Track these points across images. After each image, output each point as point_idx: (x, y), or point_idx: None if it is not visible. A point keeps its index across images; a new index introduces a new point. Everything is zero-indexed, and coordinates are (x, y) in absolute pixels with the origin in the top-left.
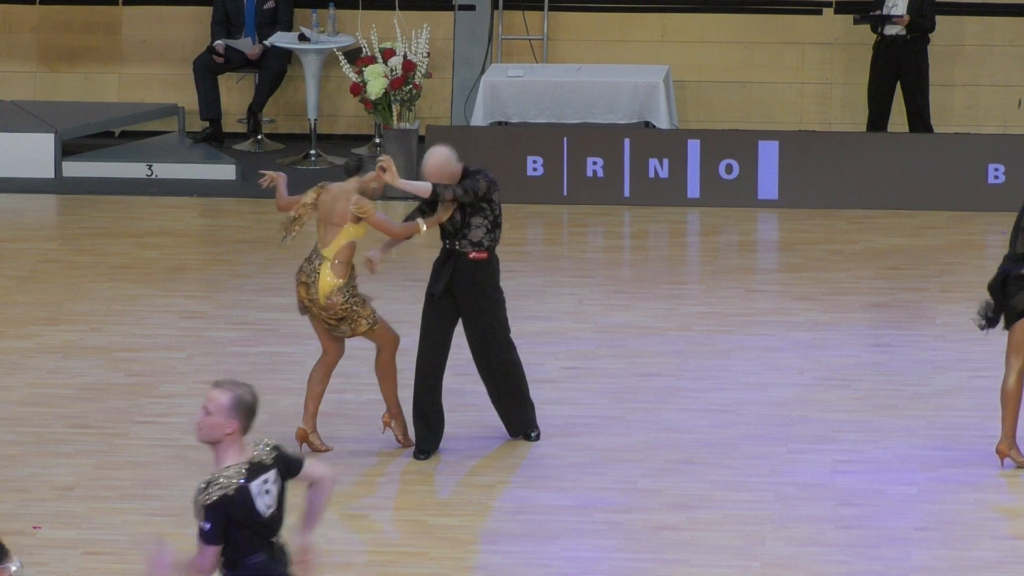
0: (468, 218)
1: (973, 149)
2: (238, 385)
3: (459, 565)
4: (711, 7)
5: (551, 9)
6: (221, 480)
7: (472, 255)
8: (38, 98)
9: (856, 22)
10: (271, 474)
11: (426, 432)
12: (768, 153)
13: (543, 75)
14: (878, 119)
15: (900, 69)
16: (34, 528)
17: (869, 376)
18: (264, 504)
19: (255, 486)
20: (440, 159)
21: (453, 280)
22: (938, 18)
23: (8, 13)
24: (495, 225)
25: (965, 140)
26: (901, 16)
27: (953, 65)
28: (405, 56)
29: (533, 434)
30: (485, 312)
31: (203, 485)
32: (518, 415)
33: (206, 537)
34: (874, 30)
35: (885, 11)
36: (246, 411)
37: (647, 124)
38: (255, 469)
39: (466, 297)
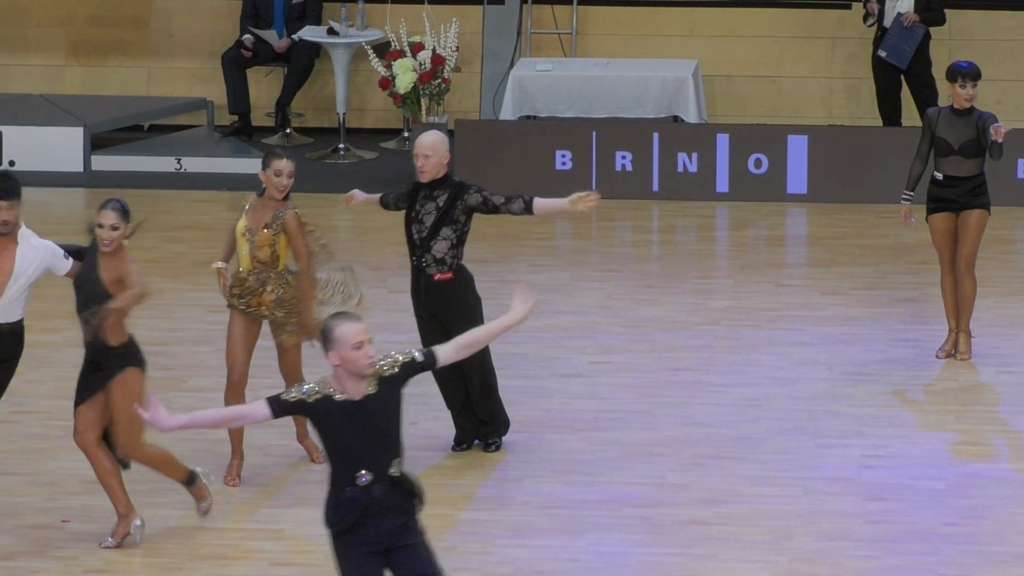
0: (438, 229)
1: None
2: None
3: (487, 559)
4: (740, 1)
5: (580, 3)
6: (305, 387)
7: (437, 277)
8: (67, 92)
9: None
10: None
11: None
12: (797, 147)
13: (572, 69)
14: (892, 115)
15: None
16: (63, 521)
17: (897, 371)
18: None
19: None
20: (439, 137)
21: (429, 302)
22: (969, 13)
23: (38, 7)
24: (460, 241)
25: None
26: (907, 14)
27: (983, 60)
28: (434, 50)
29: (492, 445)
30: (466, 321)
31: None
32: (486, 417)
33: (273, 400)
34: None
35: (886, 21)
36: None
37: (676, 118)
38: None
39: (445, 315)
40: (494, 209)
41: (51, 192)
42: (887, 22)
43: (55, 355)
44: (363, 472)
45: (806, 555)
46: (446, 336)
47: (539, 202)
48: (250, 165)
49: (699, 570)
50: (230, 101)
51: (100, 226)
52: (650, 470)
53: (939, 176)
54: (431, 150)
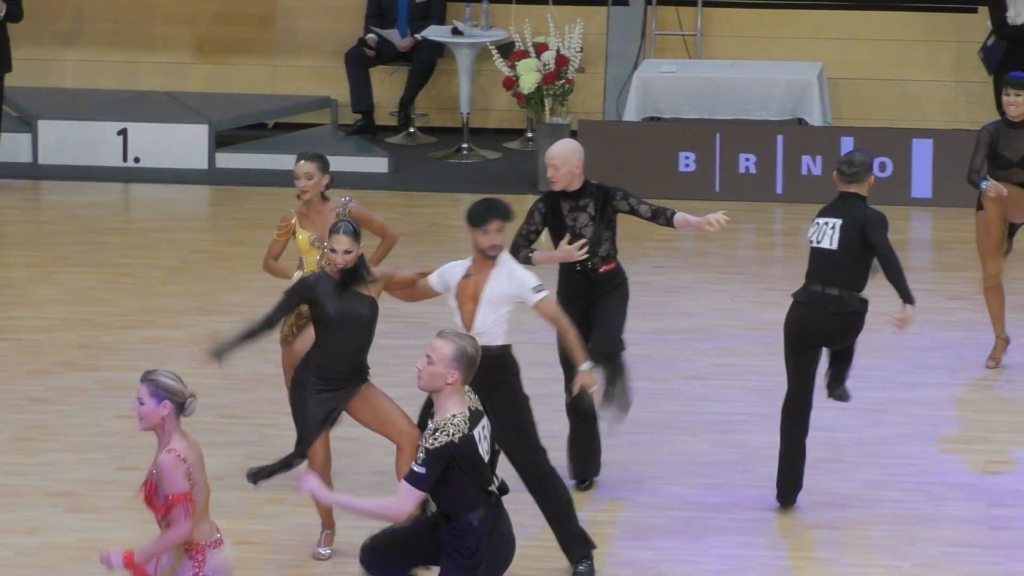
0: (600, 236)
1: None
2: (461, 336)
3: (608, 561)
4: (866, 4)
5: (705, 5)
6: (449, 427)
7: (603, 269)
8: (193, 89)
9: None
10: (485, 419)
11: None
12: (922, 151)
13: (696, 71)
14: None
15: None
16: None
17: (1022, 376)
18: (483, 450)
19: (476, 432)
20: (571, 147)
21: (591, 293)
22: None
23: (165, 5)
24: (615, 234)
25: None
26: None
27: None
28: (558, 51)
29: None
30: (619, 305)
31: (431, 430)
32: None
33: (417, 481)
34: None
35: (1012, 16)
36: (468, 362)
37: (800, 121)
38: (475, 416)
39: (604, 301)
40: (637, 215)
41: (175, 189)
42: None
43: (178, 351)
44: (491, 487)
45: (928, 560)
46: (585, 324)
47: (679, 217)
48: (373, 164)
49: (820, 575)
50: (353, 100)
51: (333, 251)
52: (772, 473)
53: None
54: (560, 161)
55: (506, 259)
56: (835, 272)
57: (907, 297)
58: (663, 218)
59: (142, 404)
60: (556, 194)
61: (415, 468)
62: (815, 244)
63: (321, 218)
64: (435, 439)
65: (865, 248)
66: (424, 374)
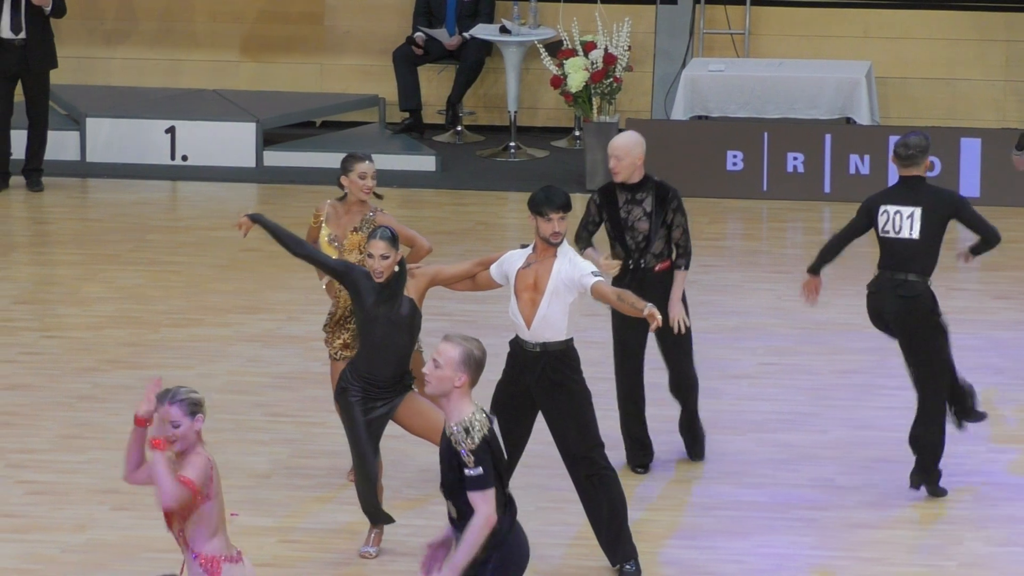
0: (655, 232)
1: None
2: (467, 339)
3: (653, 560)
4: (915, 3)
5: (753, 3)
6: (476, 424)
7: (658, 268)
8: (241, 87)
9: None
10: (495, 419)
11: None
12: (971, 150)
13: (744, 70)
14: None
15: None
16: (231, 515)
17: None
18: (499, 446)
19: (496, 429)
20: (633, 139)
21: (646, 293)
22: None
23: (214, 4)
24: (669, 232)
25: None
26: None
27: None
28: (606, 49)
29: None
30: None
31: (461, 432)
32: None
33: (482, 482)
34: None
35: None
36: (476, 365)
37: (848, 120)
38: (489, 415)
39: (662, 301)
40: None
41: (223, 187)
42: None
43: (226, 349)
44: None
45: (975, 560)
46: (639, 327)
47: (675, 276)
48: (421, 163)
49: (866, 574)
50: (401, 98)
51: (370, 256)
52: (818, 472)
53: None
54: (624, 152)
55: (568, 250)
56: (914, 260)
57: (994, 237)
58: (677, 258)
59: (177, 427)
60: (614, 185)
61: (470, 473)
62: (893, 235)
63: (349, 219)
64: (472, 439)
65: (942, 233)
66: (432, 379)
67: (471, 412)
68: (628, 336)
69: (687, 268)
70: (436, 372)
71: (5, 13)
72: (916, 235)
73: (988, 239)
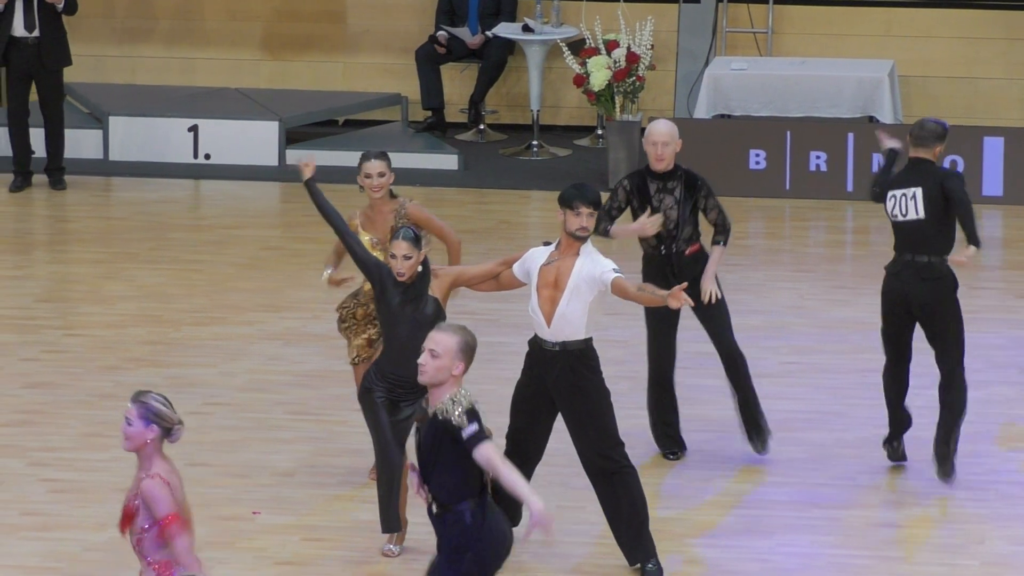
0: (686, 219)
1: None
2: (460, 328)
3: (676, 559)
4: (938, 1)
5: (776, 2)
6: (460, 397)
7: (688, 252)
8: (264, 86)
9: None
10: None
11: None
12: (993, 149)
13: (767, 68)
14: None
15: None
16: (253, 513)
17: None
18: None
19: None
20: (673, 125)
21: (680, 276)
22: None
23: (236, 2)
24: (697, 216)
25: None
26: None
27: None
28: (629, 48)
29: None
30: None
31: (449, 404)
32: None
33: (480, 436)
34: None
35: None
36: (471, 352)
37: (871, 119)
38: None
39: (695, 283)
40: (704, 214)
41: (245, 186)
42: None
43: (248, 347)
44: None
45: (998, 559)
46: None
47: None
48: (443, 161)
49: (889, 573)
50: (423, 97)
51: (393, 256)
52: (841, 471)
53: None
54: (669, 137)
55: (591, 249)
56: (925, 240)
57: (973, 239)
58: (715, 234)
59: (130, 424)
60: (644, 173)
61: (467, 432)
62: (901, 218)
63: (382, 219)
64: (460, 405)
65: (948, 208)
66: (428, 368)
67: (453, 390)
68: (659, 320)
69: (726, 244)
70: (434, 362)
71: (18, 11)
72: (922, 214)
73: (959, 211)
